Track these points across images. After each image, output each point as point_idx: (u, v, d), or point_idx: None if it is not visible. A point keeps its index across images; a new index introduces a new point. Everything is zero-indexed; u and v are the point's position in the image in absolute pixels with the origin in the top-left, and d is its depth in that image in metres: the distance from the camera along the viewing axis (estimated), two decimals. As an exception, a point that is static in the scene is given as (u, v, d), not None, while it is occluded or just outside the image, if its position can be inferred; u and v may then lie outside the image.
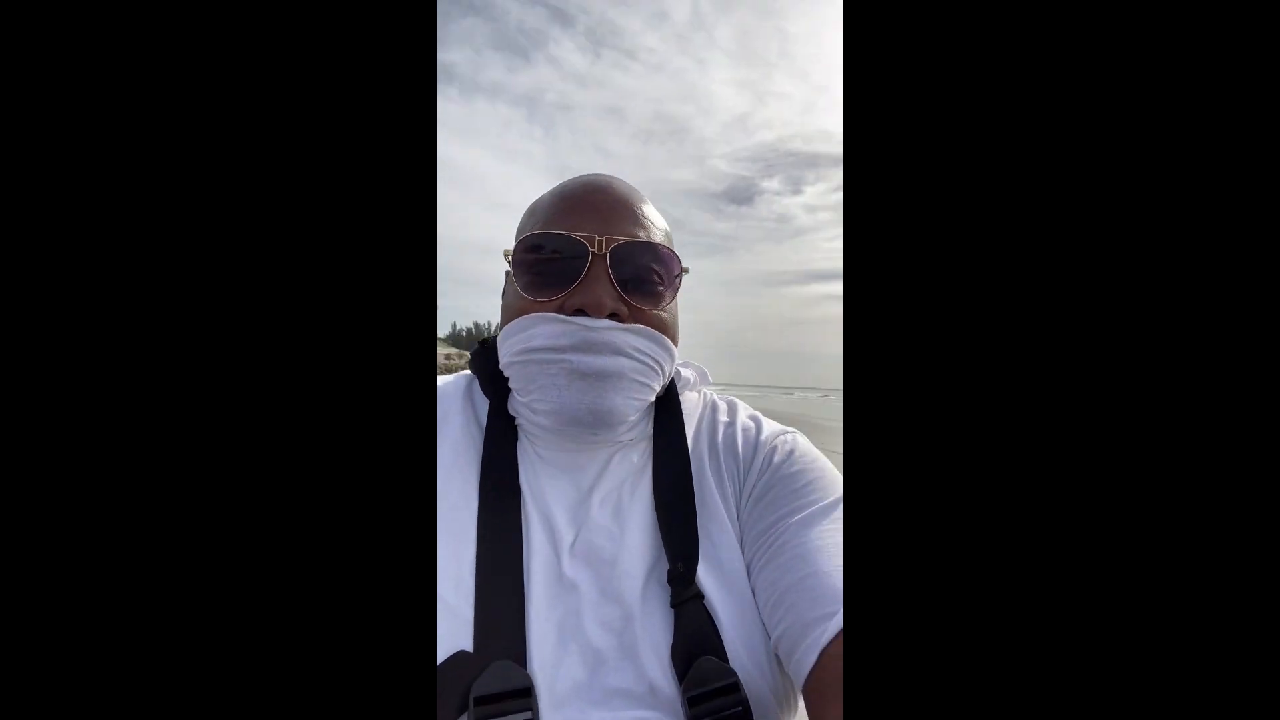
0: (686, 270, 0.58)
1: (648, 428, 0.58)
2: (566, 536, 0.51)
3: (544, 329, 0.51)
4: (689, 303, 0.64)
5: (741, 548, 0.53)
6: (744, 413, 0.64)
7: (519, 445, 0.56)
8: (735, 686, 0.45)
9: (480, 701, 0.42)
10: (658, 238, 0.57)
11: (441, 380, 0.63)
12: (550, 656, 0.46)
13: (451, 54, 21.16)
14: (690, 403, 0.63)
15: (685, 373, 0.63)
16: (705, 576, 0.50)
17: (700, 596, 0.49)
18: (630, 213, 0.56)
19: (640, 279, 0.54)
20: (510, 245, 0.57)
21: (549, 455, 0.56)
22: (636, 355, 0.53)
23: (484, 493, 0.52)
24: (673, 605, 0.48)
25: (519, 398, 0.54)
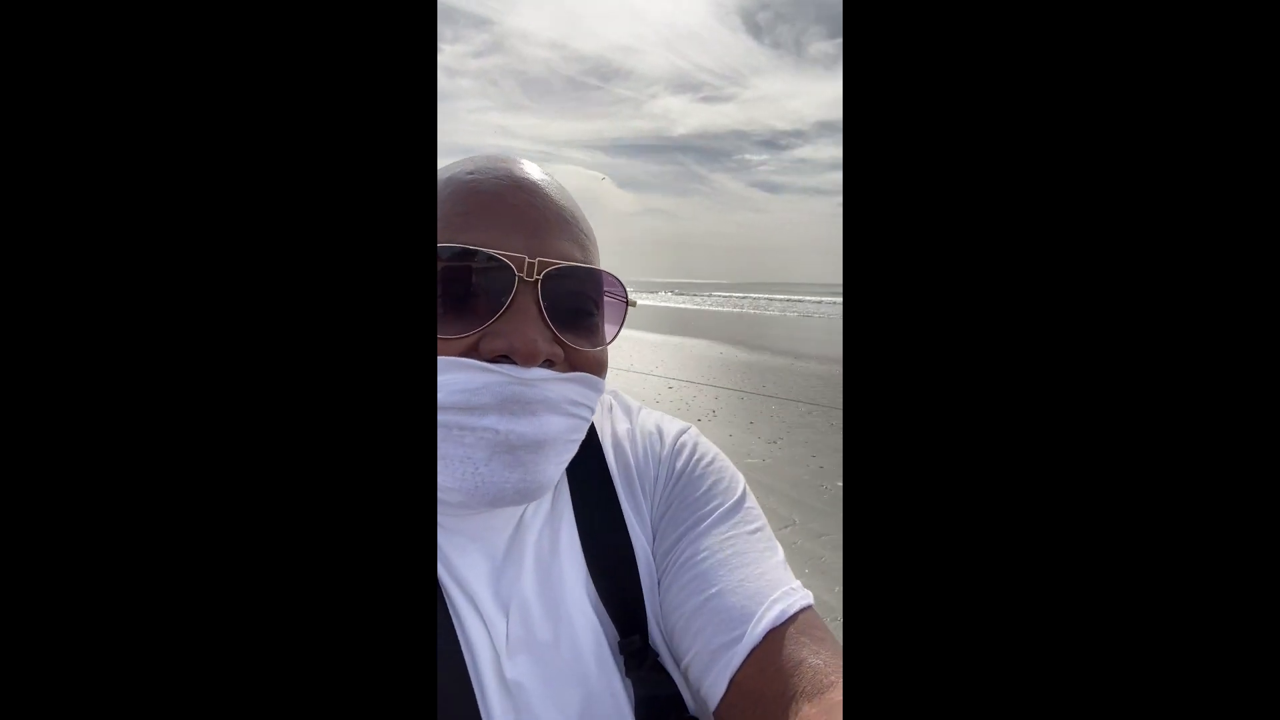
0: (633, 304, 0.48)
1: None
2: (499, 625, 0.43)
3: (456, 378, 0.39)
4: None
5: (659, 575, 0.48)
6: (639, 417, 0.57)
7: None
8: None
9: None
10: (594, 255, 0.47)
11: None
12: None
13: None
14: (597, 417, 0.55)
15: None
16: (651, 630, 0.46)
17: (655, 654, 0.45)
18: (565, 225, 0.44)
19: (580, 312, 0.44)
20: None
21: (450, 523, 0.45)
22: (573, 411, 0.43)
23: None
24: (629, 675, 0.44)
25: None
